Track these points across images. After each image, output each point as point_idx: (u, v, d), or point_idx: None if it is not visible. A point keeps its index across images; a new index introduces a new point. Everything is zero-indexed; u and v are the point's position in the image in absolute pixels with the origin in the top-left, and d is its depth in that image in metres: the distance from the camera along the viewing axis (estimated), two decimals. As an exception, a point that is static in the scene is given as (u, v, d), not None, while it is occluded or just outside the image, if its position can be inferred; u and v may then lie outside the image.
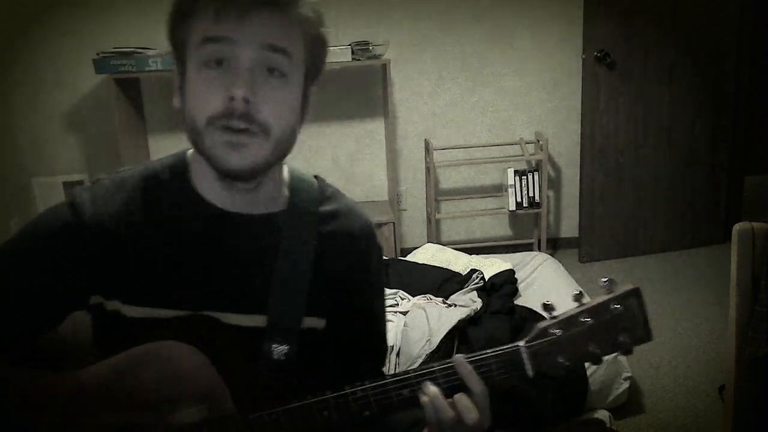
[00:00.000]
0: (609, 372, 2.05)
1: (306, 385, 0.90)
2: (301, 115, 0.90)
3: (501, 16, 3.42)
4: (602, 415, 1.98)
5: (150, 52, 3.00)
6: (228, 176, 0.86)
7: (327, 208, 0.97)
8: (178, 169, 0.93)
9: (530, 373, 0.82)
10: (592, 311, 0.82)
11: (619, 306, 0.81)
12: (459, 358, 0.82)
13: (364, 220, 1.00)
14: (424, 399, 0.81)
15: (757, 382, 1.27)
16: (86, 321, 0.95)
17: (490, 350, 0.83)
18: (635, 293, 0.82)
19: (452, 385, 0.82)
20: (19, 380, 0.86)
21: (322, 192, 0.99)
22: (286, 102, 0.84)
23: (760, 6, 3.50)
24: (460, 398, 0.81)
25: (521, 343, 0.82)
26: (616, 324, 0.81)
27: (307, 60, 0.87)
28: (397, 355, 2.02)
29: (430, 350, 1.97)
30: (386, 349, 1.11)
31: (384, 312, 1.09)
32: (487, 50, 3.46)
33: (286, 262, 0.92)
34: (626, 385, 2.10)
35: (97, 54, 2.99)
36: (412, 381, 0.82)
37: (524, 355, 0.82)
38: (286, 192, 0.96)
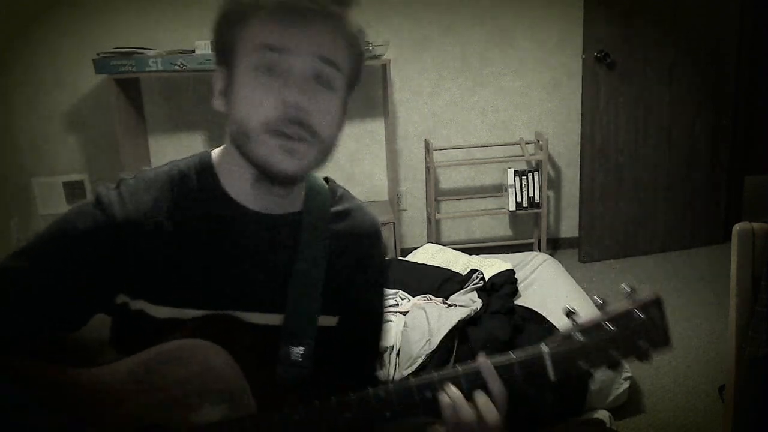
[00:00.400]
0: (609, 372, 2.04)
1: (318, 383, 0.92)
2: (341, 123, 0.93)
3: (501, 16, 3.42)
4: (602, 415, 1.98)
5: (150, 52, 3.00)
6: (276, 180, 0.88)
7: (338, 208, 1.01)
8: (205, 169, 0.94)
9: (552, 377, 0.84)
10: (616, 319, 0.84)
11: (642, 315, 0.84)
12: (485, 361, 0.84)
13: (372, 220, 1.04)
14: (445, 400, 0.82)
15: (757, 382, 1.27)
16: (103, 319, 0.95)
17: (514, 353, 0.85)
18: (657, 303, 0.85)
19: (473, 386, 0.84)
20: (44, 373, 0.86)
21: (334, 193, 1.02)
22: (332, 111, 0.88)
23: (760, 6, 3.50)
24: (480, 397, 0.83)
25: (545, 348, 0.84)
26: (638, 332, 0.84)
27: (349, 73, 0.90)
28: (397, 355, 2.02)
29: (430, 350, 1.97)
30: (383, 350, 1.12)
31: (384, 311, 1.10)
32: (487, 50, 3.46)
33: (303, 262, 0.94)
34: (626, 385, 2.10)
35: (97, 54, 2.99)
36: (435, 383, 0.83)
37: (547, 360, 0.83)
38: (302, 192, 0.98)
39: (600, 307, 0.86)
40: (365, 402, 0.83)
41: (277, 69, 0.83)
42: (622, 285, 0.85)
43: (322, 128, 0.86)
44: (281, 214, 0.94)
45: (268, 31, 0.83)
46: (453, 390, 0.82)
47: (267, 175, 0.87)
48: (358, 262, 1.01)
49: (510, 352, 0.85)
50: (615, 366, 0.85)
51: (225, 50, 0.88)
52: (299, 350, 0.92)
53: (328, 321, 0.98)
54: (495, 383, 0.83)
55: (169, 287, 0.90)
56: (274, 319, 0.93)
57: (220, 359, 0.84)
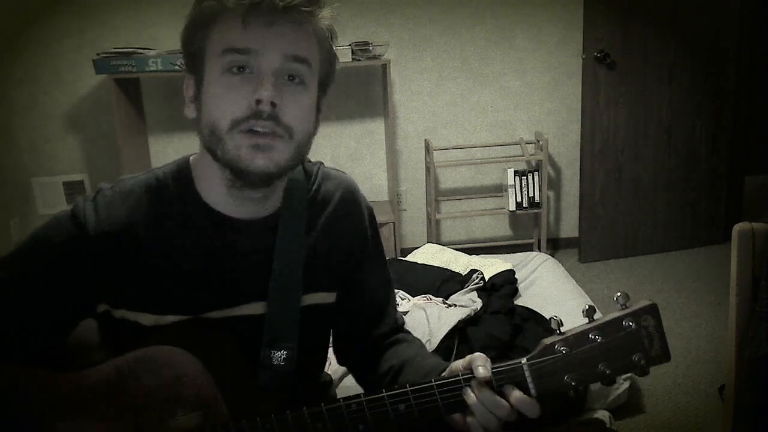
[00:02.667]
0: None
1: (308, 365, 0.93)
2: (315, 121, 0.92)
3: (501, 16, 3.42)
4: (602, 415, 1.98)
5: (150, 52, 3.00)
6: (249, 180, 0.86)
7: (314, 183, 1.01)
8: (182, 176, 0.93)
9: (533, 392, 0.79)
10: (601, 328, 0.78)
11: (632, 323, 0.77)
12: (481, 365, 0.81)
13: (346, 182, 1.03)
14: (471, 399, 0.79)
15: (757, 382, 1.27)
16: (93, 325, 0.96)
17: (493, 366, 0.80)
18: (651, 310, 0.78)
19: (448, 400, 0.81)
20: (27, 379, 0.86)
21: (308, 172, 1.01)
22: (305, 107, 0.87)
23: (760, 6, 3.50)
24: (512, 391, 0.80)
25: (523, 360, 0.79)
26: (630, 342, 0.77)
27: (321, 71, 0.89)
28: (397, 355, 2.02)
29: (430, 350, 1.97)
30: (396, 317, 1.11)
31: (387, 275, 1.10)
32: (487, 50, 3.46)
33: (282, 250, 0.94)
34: (626, 385, 2.10)
35: (97, 54, 2.99)
36: (408, 395, 0.81)
37: (527, 373, 0.79)
38: (280, 194, 0.97)
39: (587, 314, 0.79)
40: (337, 413, 0.82)
41: (246, 69, 0.82)
42: (616, 293, 0.78)
43: (295, 123, 0.84)
44: (257, 219, 0.94)
45: (235, 33, 0.82)
46: (483, 389, 0.79)
47: (240, 177, 0.86)
48: (343, 230, 1.01)
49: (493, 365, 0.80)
50: (607, 382, 0.78)
51: (194, 57, 0.87)
52: (281, 354, 0.92)
53: (321, 298, 0.98)
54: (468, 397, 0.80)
55: (148, 295, 0.90)
56: (256, 308, 0.93)
57: (192, 367, 0.84)
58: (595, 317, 0.80)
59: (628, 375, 2.11)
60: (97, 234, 0.88)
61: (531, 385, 0.78)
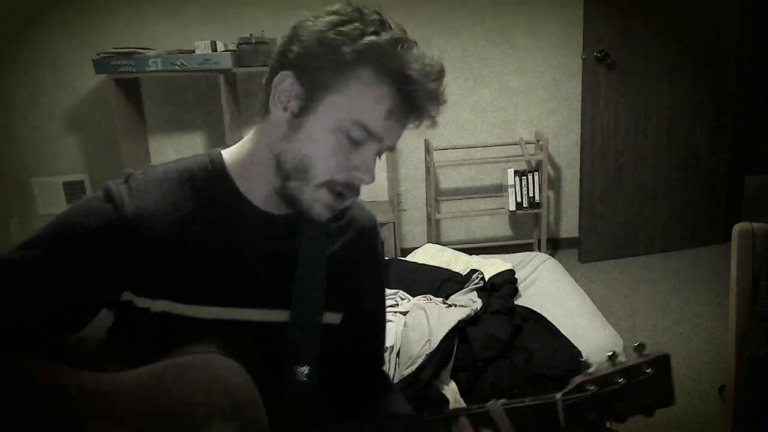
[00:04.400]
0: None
1: (326, 383, 0.92)
2: None
3: (501, 16, 3.42)
4: (602, 415, 1.98)
5: (150, 52, 3.00)
6: (300, 213, 0.90)
7: None
8: (217, 169, 0.92)
9: (563, 424, 0.85)
10: (625, 372, 0.85)
11: (650, 370, 0.85)
12: (496, 405, 0.85)
13: (370, 215, 1.05)
14: None
15: (757, 382, 1.27)
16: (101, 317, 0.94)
17: (528, 399, 0.86)
18: (665, 360, 0.86)
19: (482, 427, 0.85)
20: (50, 374, 0.84)
21: None
22: None
23: (760, 6, 3.50)
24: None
25: (558, 396, 0.85)
26: (645, 386, 0.85)
27: None
28: (397, 355, 2.02)
29: (430, 350, 1.96)
30: (385, 347, 1.14)
31: (384, 307, 1.12)
32: (487, 50, 3.46)
33: (306, 257, 0.95)
34: (626, 385, 2.10)
35: (97, 54, 2.99)
36: (449, 418, 0.85)
37: (560, 408, 0.85)
38: None
39: (609, 358, 0.87)
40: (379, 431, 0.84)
41: (359, 143, 0.85)
42: (633, 344, 0.87)
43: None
44: (283, 214, 0.94)
45: (375, 111, 0.84)
46: (469, 429, 0.84)
47: (292, 207, 0.89)
48: (359, 257, 1.01)
49: (523, 399, 0.86)
50: (620, 420, 0.86)
51: (319, 74, 0.83)
52: (304, 369, 0.92)
53: (332, 318, 0.98)
54: (506, 428, 0.84)
55: (176, 285, 0.88)
56: (281, 315, 0.93)
57: (233, 375, 0.82)
58: (617, 361, 0.88)
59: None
60: (134, 216, 0.86)
61: (561, 418, 0.85)
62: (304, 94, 0.85)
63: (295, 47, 0.84)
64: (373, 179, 0.88)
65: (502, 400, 0.87)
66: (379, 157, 0.90)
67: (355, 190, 0.88)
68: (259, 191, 0.91)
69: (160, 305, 0.88)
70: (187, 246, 0.89)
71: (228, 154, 0.94)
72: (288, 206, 0.90)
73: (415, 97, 0.85)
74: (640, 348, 0.86)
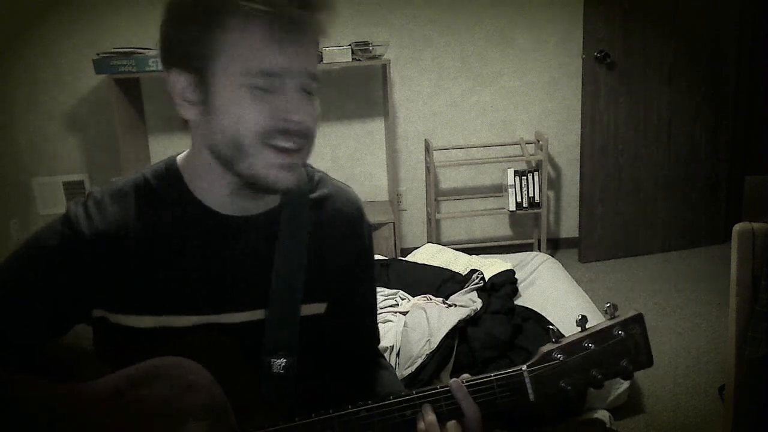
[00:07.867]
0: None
1: (307, 375, 0.92)
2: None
3: (501, 16, 3.42)
4: (602, 415, 1.98)
5: (150, 52, 3.00)
6: (265, 192, 0.88)
7: (318, 194, 0.99)
8: (173, 176, 0.92)
9: (532, 397, 0.83)
10: (594, 337, 0.83)
11: (621, 332, 0.83)
12: (456, 382, 0.84)
13: (354, 201, 1.03)
14: (420, 426, 0.83)
15: (757, 382, 1.27)
16: (86, 330, 0.95)
17: (493, 374, 0.84)
18: (638, 319, 0.84)
19: (454, 407, 0.84)
20: (30, 390, 0.86)
21: (311, 178, 1.00)
22: (315, 114, 0.87)
23: (760, 6, 3.50)
24: (451, 427, 0.84)
25: (524, 367, 0.84)
26: (619, 349, 0.83)
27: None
28: (397, 355, 2.02)
29: (430, 350, 1.97)
30: (378, 336, 1.13)
31: (375, 293, 1.11)
32: (487, 50, 3.46)
33: (283, 255, 0.94)
34: (626, 385, 2.10)
35: (97, 54, 2.99)
36: (415, 402, 0.84)
37: (527, 379, 0.83)
38: None
39: (579, 323, 0.85)
40: (345, 419, 0.83)
41: (271, 88, 0.81)
42: (605, 304, 0.85)
43: (311, 131, 0.86)
44: (257, 214, 0.93)
45: (264, 53, 0.80)
46: (429, 416, 0.83)
47: (256, 189, 0.86)
48: (344, 245, 1.00)
49: (490, 373, 0.85)
50: (597, 386, 0.84)
51: (189, 55, 0.82)
52: (281, 362, 0.92)
53: (316, 309, 0.98)
54: (467, 405, 0.83)
55: (145, 297, 0.89)
56: (257, 314, 0.93)
57: (201, 377, 0.84)
58: (587, 326, 0.85)
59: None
60: (91, 235, 0.87)
61: (530, 390, 0.83)
62: (192, 77, 0.83)
63: (162, 44, 0.85)
64: (307, 116, 0.83)
65: (465, 375, 0.85)
66: (310, 93, 0.85)
67: (300, 136, 0.83)
68: (215, 192, 0.90)
69: (129, 320, 0.89)
70: (149, 258, 0.89)
71: (182, 158, 0.94)
72: (258, 192, 0.88)
73: (287, 14, 0.79)
74: (611, 309, 0.84)
